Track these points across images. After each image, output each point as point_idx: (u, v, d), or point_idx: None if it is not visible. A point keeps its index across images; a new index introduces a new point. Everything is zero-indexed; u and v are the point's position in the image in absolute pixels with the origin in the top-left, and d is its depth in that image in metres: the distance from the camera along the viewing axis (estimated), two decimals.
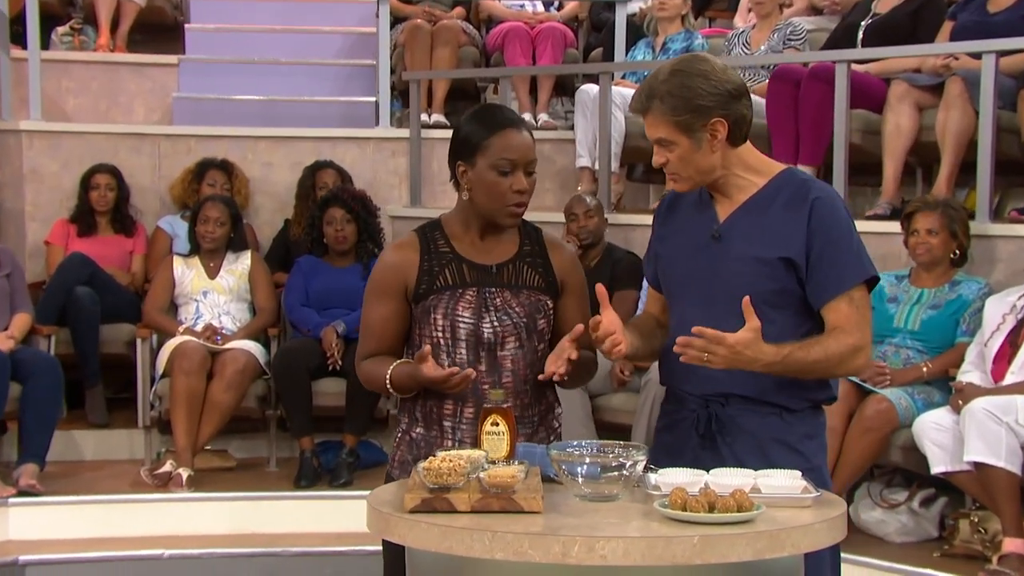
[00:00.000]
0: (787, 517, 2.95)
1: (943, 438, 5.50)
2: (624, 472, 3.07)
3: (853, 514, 5.97)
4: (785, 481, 3.12)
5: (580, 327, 3.40)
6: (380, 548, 3.59)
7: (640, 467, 3.10)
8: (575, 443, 3.23)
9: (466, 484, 3.00)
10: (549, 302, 3.56)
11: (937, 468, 5.51)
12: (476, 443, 3.34)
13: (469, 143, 3.48)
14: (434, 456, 3.06)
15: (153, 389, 7.02)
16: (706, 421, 3.43)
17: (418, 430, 3.55)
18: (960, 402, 5.48)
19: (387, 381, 3.48)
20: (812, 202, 3.36)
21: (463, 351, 3.48)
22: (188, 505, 6.59)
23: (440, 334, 3.48)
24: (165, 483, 6.68)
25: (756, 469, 3.20)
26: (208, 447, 7.02)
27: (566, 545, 2.75)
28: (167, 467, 6.74)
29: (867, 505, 5.96)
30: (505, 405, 3.29)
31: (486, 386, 3.44)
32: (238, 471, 7.13)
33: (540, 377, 3.44)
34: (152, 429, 7.15)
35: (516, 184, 3.45)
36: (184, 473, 6.67)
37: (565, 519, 2.92)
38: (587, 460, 3.09)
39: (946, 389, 5.78)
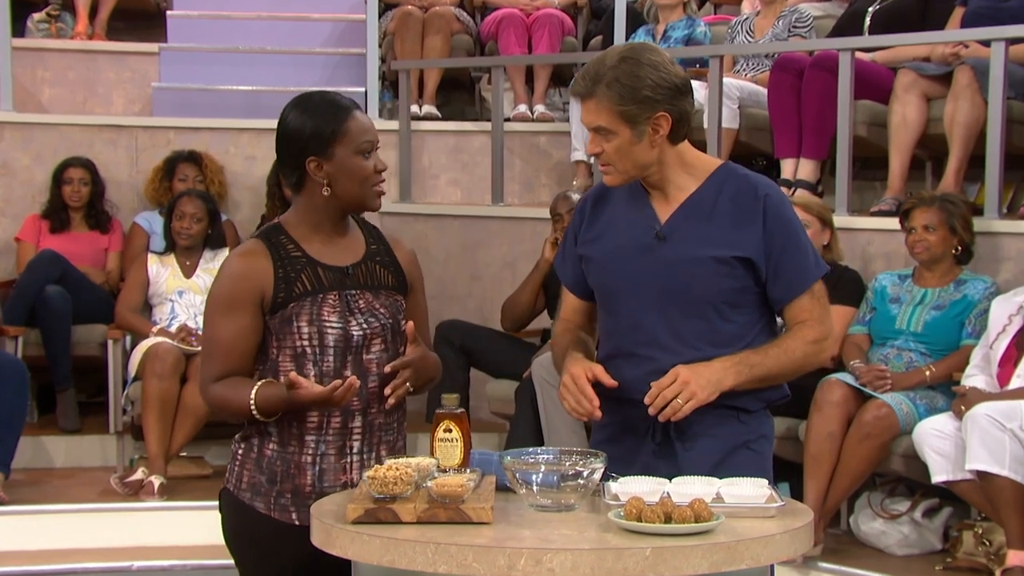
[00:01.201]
0: (747, 527, 2.87)
1: (944, 445, 5.37)
2: (581, 481, 2.99)
3: (853, 525, 5.90)
4: (749, 490, 3.03)
5: (411, 326, 3.34)
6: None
7: (598, 475, 3.02)
8: (530, 450, 3.18)
9: (413, 494, 2.93)
10: (403, 301, 3.46)
11: (938, 477, 5.39)
12: (340, 455, 3.29)
13: (322, 135, 3.30)
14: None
15: (125, 393, 6.85)
16: (663, 428, 3.33)
17: (271, 447, 3.34)
18: (962, 408, 5.34)
19: (252, 406, 3.25)
20: (763, 200, 3.35)
21: (330, 357, 3.30)
22: (160, 514, 6.39)
23: (307, 342, 3.29)
24: (136, 491, 6.48)
25: (715, 473, 3.16)
26: (183, 454, 6.84)
27: (512, 558, 2.68)
28: (138, 475, 6.54)
29: (867, 516, 5.84)
30: (459, 411, 3.18)
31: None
32: (215, 479, 6.90)
33: (388, 404, 3.34)
34: (125, 435, 6.97)
35: (378, 164, 3.36)
36: (156, 481, 6.47)
37: (515, 530, 2.85)
38: (542, 468, 3.01)
39: (950, 394, 5.64)
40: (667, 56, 3.31)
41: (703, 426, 3.32)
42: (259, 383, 3.26)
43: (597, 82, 3.26)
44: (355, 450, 3.30)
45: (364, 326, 3.30)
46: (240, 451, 3.38)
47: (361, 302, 3.34)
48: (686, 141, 3.38)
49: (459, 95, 9.21)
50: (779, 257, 3.32)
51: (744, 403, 3.35)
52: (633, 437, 3.38)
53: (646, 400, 3.22)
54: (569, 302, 3.59)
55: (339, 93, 3.44)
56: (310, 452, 3.29)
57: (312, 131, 3.30)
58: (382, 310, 3.35)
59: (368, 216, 3.54)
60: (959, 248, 5.81)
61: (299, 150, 3.31)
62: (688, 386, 3.18)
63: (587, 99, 3.29)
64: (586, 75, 3.29)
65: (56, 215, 7.62)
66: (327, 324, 3.28)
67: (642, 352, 3.34)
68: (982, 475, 5.17)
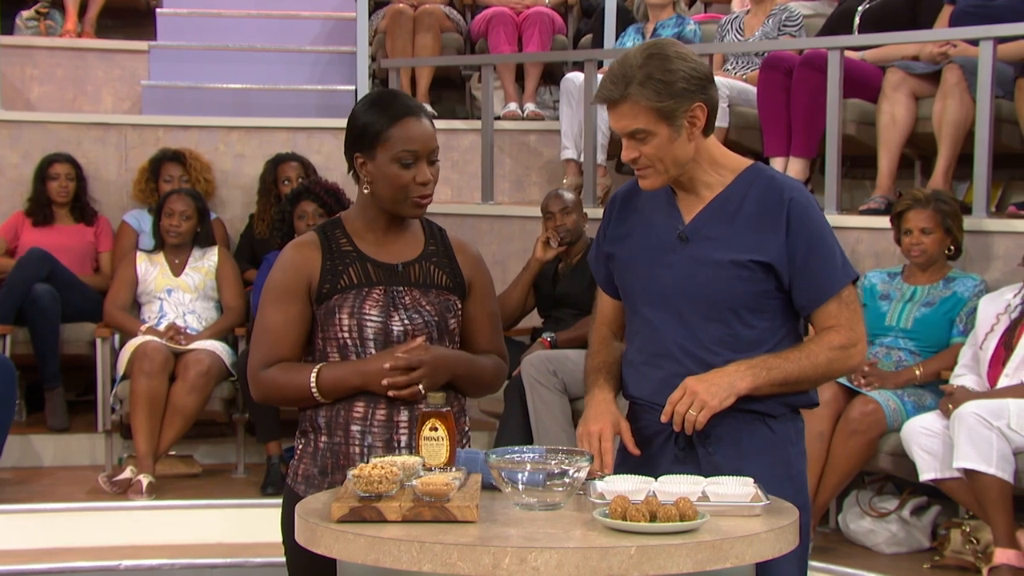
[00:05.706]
0: (733, 526, 2.86)
1: (932, 444, 5.36)
2: (567, 480, 2.97)
3: (841, 523, 5.89)
4: (734, 488, 3.00)
5: (419, 340, 3.32)
6: None
7: (584, 474, 3.00)
8: (515, 449, 3.15)
9: (399, 492, 2.91)
10: (458, 302, 3.46)
11: (926, 475, 5.38)
12: (387, 449, 3.30)
13: (368, 134, 3.33)
14: (364, 463, 2.97)
15: (113, 391, 6.82)
16: (686, 434, 3.24)
17: (323, 439, 3.38)
18: (950, 406, 5.33)
19: (312, 387, 3.31)
20: (788, 203, 3.24)
21: (372, 351, 3.34)
22: (148, 513, 6.37)
23: (346, 334, 3.33)
24: (124, 490, 6.47)
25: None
26: (172, 452, 6.83)
27: (497, 556, 2.67)
28: (127, 473, 6.52)
29: (856, 514, 5.83)
30: (445, 409, 3.17)
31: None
32: (203, 478, 6.94)
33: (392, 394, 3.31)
34: (113, 434, 6.95)
35: (419, 176, 3.33)
36: (144, 480, 6.45)
37: (500, 529, 2.83)
38: (528, 467, 2.99)
39: (938, 392, 5.63)
40: (688, 47, 3.24)
41: (726, 431, 3.24)
42: (319, 364, 3.31)
43: (628, 83, 3.15)
44: (403, 444, 3.32)
45: (406, 322, 3.33)
46: (299, 446, 3.43)
47: (407, 299, 3.35)
48: (714, 138, 3.29)
49: (449, 93, 9.19)
50: (804, 262, 3.22)
51: (767, 407, 3.26)
52: (656, 443, 3.32)
53: (662, 419, 3.17)
54: (603, 302, 3.52)
55: (409, 97, 3.47)
56: (357, 444, 3.32)
57: (362, 128, 3.33)
58: (428, 308, 3.37)
59: None
60: (952, 248, 5.82)
61: (351, 143, 3.37)
62: (697, 396, 3.13)
63: (620, 103, 3.17)
64: (613, 78, 3.17)
65: (40, 211, 7.57)
66: (367, 317, 3.31)
67: (662, 356, 3.28)
68: (969, 473, 5.16)
